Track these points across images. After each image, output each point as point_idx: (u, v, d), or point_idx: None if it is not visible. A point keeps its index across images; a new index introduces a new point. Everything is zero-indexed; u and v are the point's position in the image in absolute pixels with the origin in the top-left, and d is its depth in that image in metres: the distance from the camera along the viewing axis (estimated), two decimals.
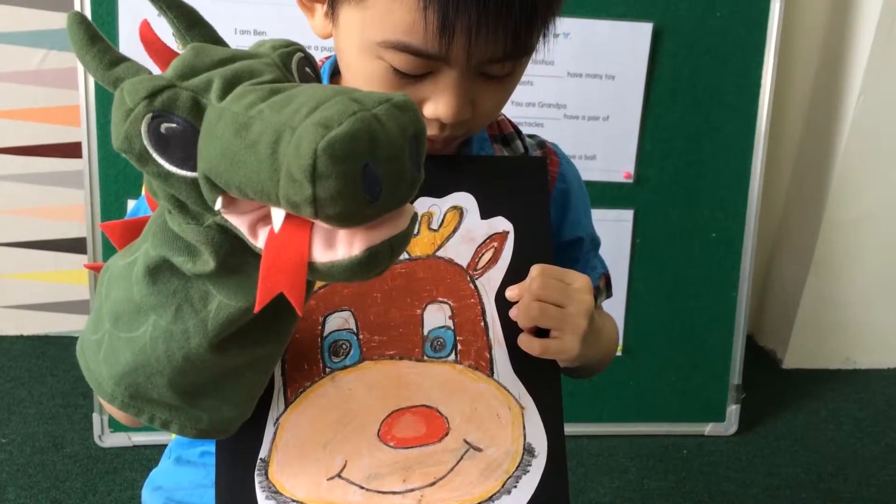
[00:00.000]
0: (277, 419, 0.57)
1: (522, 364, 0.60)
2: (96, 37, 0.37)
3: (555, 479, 0.59)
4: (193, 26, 0.40)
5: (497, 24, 0.53)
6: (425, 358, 0.59)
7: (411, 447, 0.57)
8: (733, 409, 1.78)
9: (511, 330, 0.61)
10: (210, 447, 0.67)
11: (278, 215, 0.34)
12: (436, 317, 0.60)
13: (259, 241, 0.37)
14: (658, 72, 1.59)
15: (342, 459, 0.56)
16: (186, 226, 0.39)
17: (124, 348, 0.45)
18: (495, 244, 0.63)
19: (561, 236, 0.75)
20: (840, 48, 1.89)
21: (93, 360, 0.47)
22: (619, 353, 1.68)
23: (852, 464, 1.73)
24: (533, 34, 0.56)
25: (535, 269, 0.60)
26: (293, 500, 0.55)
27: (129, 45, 1.39)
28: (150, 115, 0.34)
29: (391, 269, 0.50)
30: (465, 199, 0.63)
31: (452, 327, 0.60)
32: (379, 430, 0.57)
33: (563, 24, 1.45)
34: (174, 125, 0.34)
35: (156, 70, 0.37)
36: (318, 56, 0.83)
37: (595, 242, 0.79)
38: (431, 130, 0.58)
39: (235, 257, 0.39)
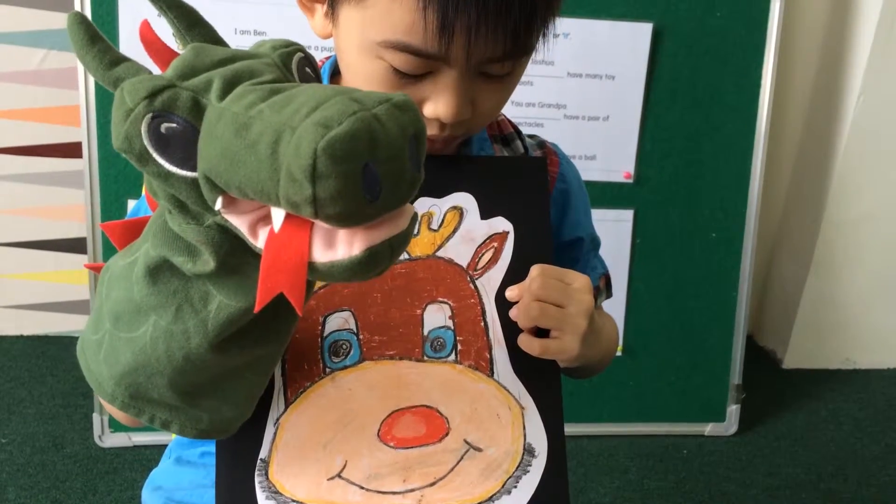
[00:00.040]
0: (277, 419, 0.57)
1: (522, 364, 0.60)
2: (96, 37, 0.37)
3: (555, 479, 0.59)
4: (193, 26, 0.40)
5: (497, 24, 0.53)
6: (425, 358, 0.59)
7: (411, 447, 0.57)
8: (733, 409, 1.78)
9: (511, 330, 0.61)
10: (210, 447, 0.67)
11: (278, 215, 0.34)
12: (436, 317, 0.60)
13: (259, 241, 0.37)
14: (658, 72, 1.59)
15: (342, 459, 0.56)
16: (186, 226, 0.39)
17: (125, 348, 0.45)
18: (495, 244, 0.63)
19: (561, 236, 0.75)
20: (840, 48, 1.89)
21: (93, 360, 0.47)
22: (619, 353, 1.68)
23: (852, 464, 1.73)
24: (532, 34, 0.56)
25: (535, 270, 0.60)
26: (293, 501, 0.55)
27: (130, 45, 1.39)
28: (150, 115, 0.34)
29: (391, 269, 0.50)
30: (465, 200, 0.63)
31: (452, 327, 0.60)
32: (379, 431, 0.57)
33: (563, 24, 1.46)
34: (174, 125, 0.34)
35: (156, 70, 0.37)
36: (318, 56, 0.83)
37: (595, 242, 0.79)
38: (431, 130, 0.58)
39: (235, 257, 0.39)
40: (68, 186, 1.81)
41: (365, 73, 0.57)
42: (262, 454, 0.56)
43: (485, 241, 0.63)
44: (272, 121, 0.32)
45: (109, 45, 0.37)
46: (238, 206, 0.36)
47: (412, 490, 0.56)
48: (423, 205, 0.62)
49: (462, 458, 0.58)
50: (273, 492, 0.55)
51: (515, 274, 0.62)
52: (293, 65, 0.39)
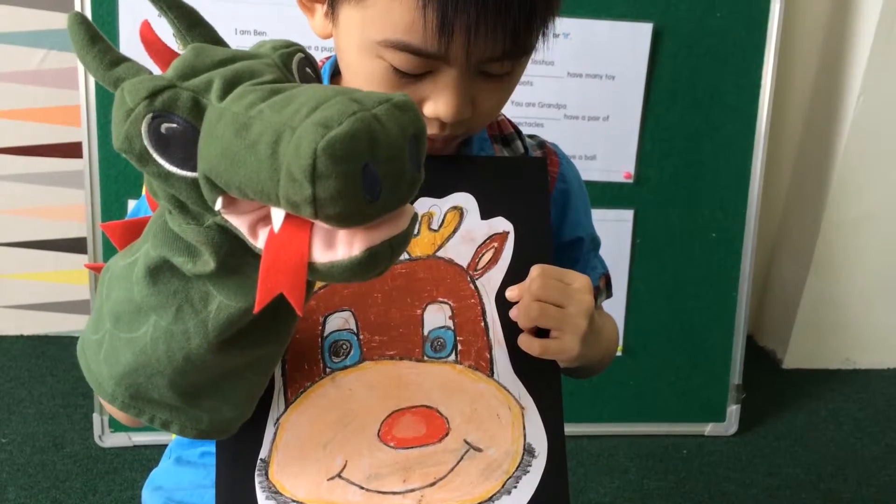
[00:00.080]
0: (278, 419, 0.57)
1: (522, 364, 0.60)
2: (97, 37, 0.37)
3: (555, 479, 0.59)
4: (194, 27, 0.40)
5: (496, 23, 0.53)
6: (425, 358, 0.59)
7: (411, 447, 0.57)
8: (733, 410, 1.78)
9: (511, 330, 0.61)
10: (210, 447, 0.67)
11: (278, 215, 0.34)
12: (436, 317, 0.60)
13: (259, 242, 0.37)
14: (658, 72, 1.59)
15: (342, 459, 0.56)
16: (186, 226, 0.39)
17: (125, 349, 0.45)
18: (495, 244, 0.63)
19: (561, 236, 0.75)
20: (840, 48, 1.89)
21: (93, 361, 0.47)
22: (619, 353, 1.68)
23: (852, 464, 1.73)
24: (532, 33, 0.56)
25: (535, 270, 0.60)
26: (293, 501, 0.55)
27: (130, 45, 1.39)
28: (150, 116, 0.34)
29: (391, 269, 0.50)
30: (466, 200, 0.63)
31: (453, 327, 0.60)
32: (379, 431, 0.57)
33: (563, 25, 1.46)
34: (174, 125, 0.34)
35: (156, 70, 0.38)
36: (319, 56, 0.83)
37: (595, 242, 0.79)
38: (431, 129, 0.58)
39: (235, 258, 0.39)
40: (68, 186, 1.81)
41: (365, 73, 0.57)
42: (263, 454, 0.56)
43: (485, 241, 0.63)
44: (272, 121, 0.32)
45: (110, 45, 0.37)
46: (238, 207, 0.36)
47: (412, 490, 0.56)
48: (423, 205, 0.62)
49: (462, 458, 0.58)
50: (273, 492, 0.55)
51: (515, 274, 0.62)
52: (293, 65, 0.39)
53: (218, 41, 0.41)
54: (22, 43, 1.72)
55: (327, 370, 0.58)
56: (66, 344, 1.92)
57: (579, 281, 0.62)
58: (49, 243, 1.88)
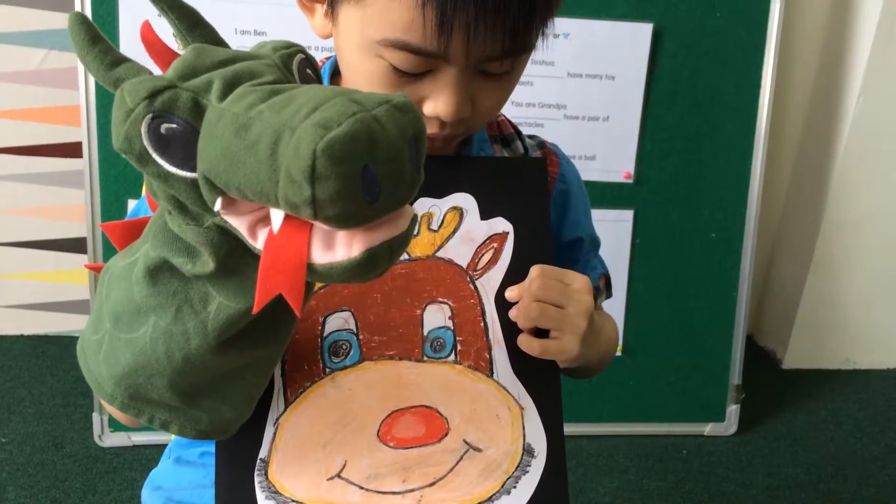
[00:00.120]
0: (277, 419, 0.57)
1: (522, 364, 0.60)
2: (97, 37, 0.37)
3: (554, 479, 0.59)
4: (194, 27, 0.40)
5: (495, 21, 0.53)
6: (425, 358, 0.59)
7: (411, 447, 0.57)
8: (733, 410, 1.78)
9: (511, 330, 0.61)
10: (210, 447, 0.67)
11: (277, 216, 0.34)
12: (436, 317, 0.60)
13: (258, 243, 0.37)
14: (658, 72, 1.59)
15: (342, 459, 0.56)
16: (186, 227, 0.39)
17: (124, 349, 0.45)
18: (495, 245, 0.63)
19: (561, 237, 0.75)
20: (840, 48, 1.89)
21: (93, 361, 0.47)
22: (619, 354, 1.68)
23: (852, 464, 1.73)
24: (531, 32, 0.56)
25: (535, 270, 0.60)
26: (293, 501, 0.55)
27: (130, 45, 1.39)
28: (150, 116, 0.34)
29: (391, 269, 0.50)
30: (465, 200, 0.63)
31: (452, 328, 0.60)
32: (379, 431, 0.57)
33: (563, 25, 1.46)
34: (174, 126, 0.34)
35: (157, 71, 0.38)
36: (319, 56, 0.83)
37: (595, 243, 0.79)
38: (431, 129, 0.59)
39: (235, 258, 0.39)
40: (68, 186, 1.81)
41: (365, 73, 0.57)
42: (262, 454, 0.56)
43: (485, 241, 0.63)
44: (272, 122, 0.32)
45: (110, 45, 0.37)
46: (237, 207, 0.36)
47: (412, 490, 0.56)
48: (423, 205, 0.62)
49: (461, 458, 0.58)
50: (273, 492, 0.55)
51: (515, 274, 0.62)
52: (294, 66, 0.39)
53: (218, 42, 0.41)
54: (22, 43, 1.72)
55: (327, 370, 0.58)
56: (66, 344, 1.92)
57: (579, 281, 0.62)
58: (49, 243, 1.88)
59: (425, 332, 0.60)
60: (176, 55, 0.38)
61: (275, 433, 0.56)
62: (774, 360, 2.16)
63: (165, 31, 0.40)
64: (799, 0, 1.86)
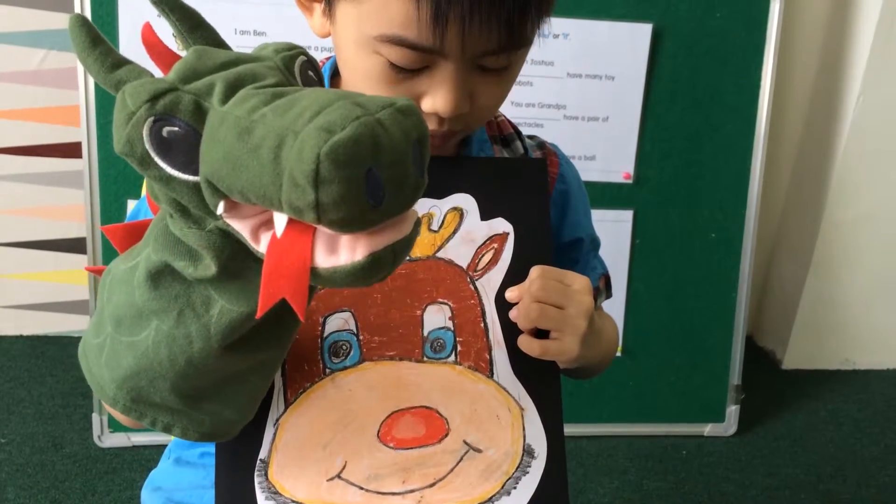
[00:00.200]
0: (277, 420, 0.57)
1: (522, 365, 0.60)
2: (98, 39, 0.37)
3: (554, 480, 0.59)
4: (196, 29, 0.40)
5: (490, 14, 0.53)
6: (425, 359, 0.59)
7: (411, 448, 0.57)
8: (733, 410, 1.78)
9: (511, 331, 0.61)
10: (210, 448, 0.67)
11: (281, 220, 0.34)
12: (436, 318, 0.60)
13: (261, 246, 0.36)
14: (658, 72, 1.59)
15: (342, 460, 0.56)
16: (188, 230, 0.39)
17: (126, 352, 0.44)
18: (495, 245, 0.63)
19: (561, 237, 0.75)
20: (840, 48, 1.89)
21: (95, 364, 0.47)
22: (618, 354, 1.68)
23: (851, 465, 1.73)
24: (527, 24, 0.56)
25: (535, 271, 0.60)
26: (293, 501, 0.55)
27: (130, 46, 1.39)
28: (151, 119, 0.34)
29: None
30: (466, 201, 0.63)
31: (452, 328, 0.60)
32: (379, 431, 0.57)
33: (563, 25, 1.46)
34: (176, 129, 0.34)
35: (157, 72, 0.37)
36: (319, 56, 0.83)
37: (595, 243, 0.79)
38: (430, 125, 0.58)
39: (237, 262, 0.39)
40: (68, 186, 1.81)
41: (363, 70, 0.58)
42: (262, 455, 0.56)
43: (485, 242, 0.63)
44: (275, 125, 0.32)
45: (111, 47, 0.37)
46: (240, 211, 0.36)
47: (412, 491, 0.56)
48: (423, 206, 0.62)
49: (462, 459, 0.58)
50: (273, 492, 0.55)
51: (515, 275, 0.62)
52: (296, 68, 0.39)
53: (220, 43, 0.41)
54: (22, 43, 1.72)
55: (327, 371, 0.58)
56: (65, 344, 1.92)
57: (579, 282, 0.62)
58: (49, 243, 1.88)
59: (425, 333, 0.60)
60: (177, 57, 0.38)
61: (275, 434, 0.56)
62: (774, 361, 2.16)
63: (165, 31, 0.40)
64: (799, 0, 1.86)
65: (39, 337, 1.96)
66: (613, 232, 1.63)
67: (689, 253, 1.69)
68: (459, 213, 0.63)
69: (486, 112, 0.62)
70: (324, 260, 0.34)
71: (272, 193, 0.32)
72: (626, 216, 1.65)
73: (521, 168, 0.68)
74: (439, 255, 0.62)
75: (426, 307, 0.60)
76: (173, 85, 0.35)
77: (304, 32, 0.63)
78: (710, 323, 1.74)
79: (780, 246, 2.16)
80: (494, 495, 0.57)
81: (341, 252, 0.34)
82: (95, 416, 1.57)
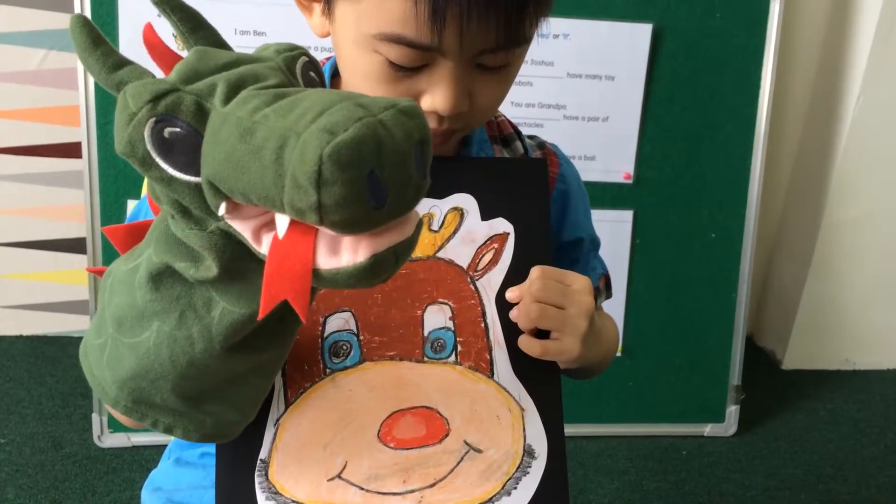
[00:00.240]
0: (277, 420, 0.57)
1: (522, 365, 0.60)
2: (99, 40, 0.37)
3: (555, 480, 0.59)
4: (197, 29, 0.40)
5: (488, 10, 0.53)
6: (425, 359, 0.59)
7: (411, 448, 0.57)
8: (733, 410, 1.78)
9: (511, 331, 0.61)
10: (210, 448, 0.67)
11: (283, 221, 0.34)
12: (436, 318, 0.60)
13: (263, 248, 0.36)
14: (658, 72, 1.59)
15: (342, 460, 0.56)
16: (189, 231, 0.39)
17: (128, 353, 0.44)
18: (496, 245, 0.63)
19: (561, 237, 0.75)
20: (840, 48, 1.89)
21: (96, 365, 0.47)
22: (618, 354, 1.68)
23: (851, 465, 1.73)
24: (525, 21, 0.56)
25: (535, 271, 0.60)
26: (293, 501, 0.55)
27: (130, 46, 1.39)
28: (153, 120, 0.34)
29: None
30: (466, 201, 0.63)
31: (453, 328, 0.60)
32: (379, 431, 0.57)
33: (563, 25, 1.46)
34: (178, 129, 0.34)
35: (158, 73, 0.37)
36: (319, 56, 0.82)
37: (595, 243, 0.79)
38: (430, 124, 0.58)
39: (239, 263, 0.39)
40: (68, 186, 1.81)
41: (362, 69, 0.58)
42: (262, 455, 0.56)
43: (485, 242, 0.63)
44: (277, 126, 0.32)
45: (112, 48, 0.37)
46: (242, 212, 0.36)
47: (412, 491, 0.56)
48: (423, 206, 0.62)
49: (462, 459, 0.58)
50: (273, 492, 0.55)
51: (516, 275, 0.62)
52: (297, 69, 0.39)
53: (221, 44, 0.41)
54: (22, 43, 1.72)
55: (327, 371, 0.58)
56: (65, 344, 1.92)
57: (579, 282, 0.62)
58: (48, 243, 1.88)
59: (426, 333, 0.60)
60: (178, 57, 0.38)
61: (275, 434, 0.56)
62: (774, 361, 2.16)
63: (166, 31, 0.40)
64: (799, 0, 1.86)
65: (39, 337, 1.95)
66: (613, 232, 1.63)
67: (688, 253, 1.69)
68: (460, 213, 0.63)
69: (485, 111, 0.62)
70: (326, 261, 0.34)
71: (274, 194, 0.32)
72: (626, 216, 1.65)
73: (521, 168, 0.68)
74: (440, 255, 0.62)
75: (426, 307, 0.60)
76: (175, 86, 0.35)
77: (304, 32, 0.63)
78: (709, 323, 1.74)
79: (780, 246, 2.16)
80: (495, 496, 0.57)
81: (343, 253, 0.34)
82: (95, 417, 1.56)
